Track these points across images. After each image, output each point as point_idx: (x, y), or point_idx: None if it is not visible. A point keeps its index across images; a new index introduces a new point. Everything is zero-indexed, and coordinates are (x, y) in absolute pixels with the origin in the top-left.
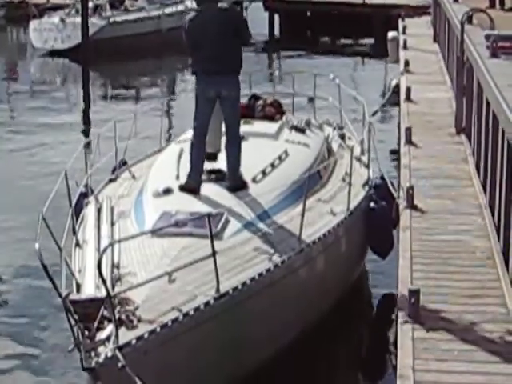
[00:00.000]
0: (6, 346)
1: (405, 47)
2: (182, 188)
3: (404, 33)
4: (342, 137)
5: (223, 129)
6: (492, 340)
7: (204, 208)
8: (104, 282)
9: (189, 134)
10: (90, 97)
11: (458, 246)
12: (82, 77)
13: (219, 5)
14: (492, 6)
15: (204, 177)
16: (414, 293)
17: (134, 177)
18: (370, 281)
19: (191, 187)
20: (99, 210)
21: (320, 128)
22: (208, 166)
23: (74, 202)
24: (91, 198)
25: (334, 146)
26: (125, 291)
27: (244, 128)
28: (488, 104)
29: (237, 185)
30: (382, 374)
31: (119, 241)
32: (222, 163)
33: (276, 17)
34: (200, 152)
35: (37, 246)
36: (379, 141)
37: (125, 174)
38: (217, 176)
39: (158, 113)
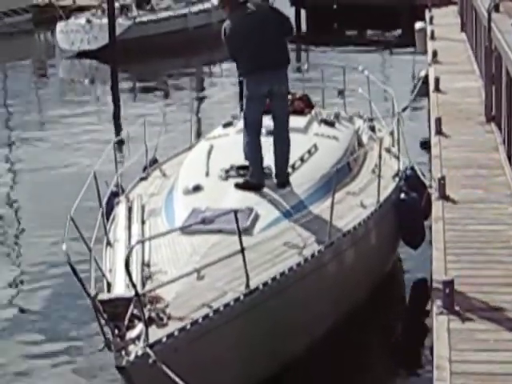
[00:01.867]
0: (37, 346)
1: (432, 37)
2: (242, 186)
3: (431, 23)
4: (372, 129)
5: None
6: None
7: (234, 204)
8: (131, 280)
9: (219, 130)
10: (118, 96)
11: (491, 235)
12: (110, 77)
13: (252, 4)
14: None
15: (233, 173)
16: (449, 283)
17: (164, 175)
18: (404, 272)
19: (255, 185)
20: (130, 209)
21: (350, 121)
22: (235, 161)
23: (104, 202)
24: (122, 198)
25: (364, 138)
26: (154, 289)
27: (271, 123)
28: None
29: (285, 181)
30: (419, 365)
31: (147, 239)
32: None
33: (302, 11)
34: (257, 148)
35: (64, 246)
36: (409, 132)
37: (155, 172)
38: (246, 172)
39: (187, 110)
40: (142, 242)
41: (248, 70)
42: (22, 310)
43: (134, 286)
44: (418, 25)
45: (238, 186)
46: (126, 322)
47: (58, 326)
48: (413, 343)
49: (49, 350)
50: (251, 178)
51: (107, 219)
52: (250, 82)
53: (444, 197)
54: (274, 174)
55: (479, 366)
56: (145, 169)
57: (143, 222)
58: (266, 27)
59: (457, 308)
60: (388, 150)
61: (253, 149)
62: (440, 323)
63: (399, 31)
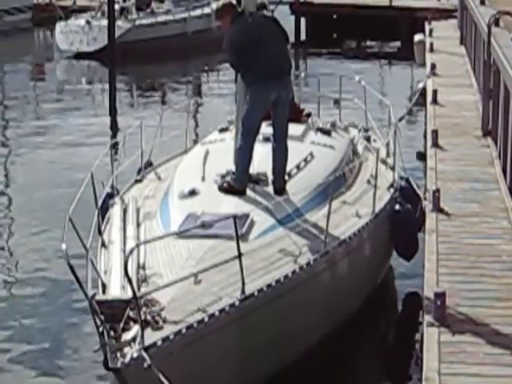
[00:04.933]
0: (30, 345)
1: (431, 50)
2: (225, 189)
3: (430, 35)
4: (368, 139)
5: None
6: None
7: (229, 210)
8: (130, 282)
9: (215, 135)
10: (115, 99)
11: (484, 249)
12: (108, 79)
13: (256, 13)
14: None
15: (229, 178)
16: (440, 295)
17: (159, 178)
18: (396, 283)
19: (239, 189)
20: (125, 211)
21: (345, 130)
22: (231, 167)
23: (100, 203)
24: (117, 199)
25: (360, 148)
26: (151, 292)
27: (269, 130)
28: None
29: (282, 188)
30: (408, 376)
31: (145, 242)
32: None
33: (302, 20)
34: (249, 154)
35: (63, 246)
36: (405, 143)
37: (150, 175)
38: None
39: (183, 114)
40: (142, 244)
41: (257, 78)
42: (15, 310)
43: (133, 288)
44: (418, 37)
45: (221, 188)
46: (122, 324)
47: (52, 325)
48: (403, 354)
49: (42, 349)
50: (235, 182)
51: (102, 220)
52: (257, 91)
53: (438, 209)
54: (270, 181)
55: (468, 379)
56: (139, 171)
57: (138, 225)
58: (270, 35)
59: (448, 320)
60: (383, 161)
61: (245, 154)
62: (430, 335)
63: (398, 43)
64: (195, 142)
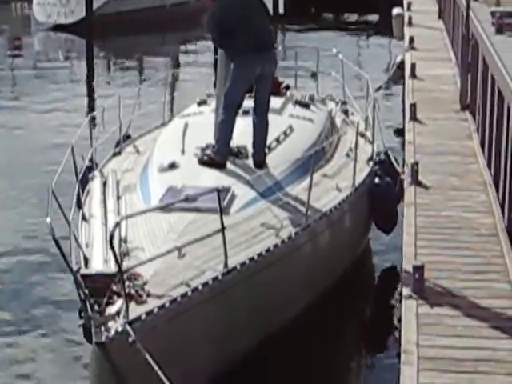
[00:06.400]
0: (13, 319)
1: (410, 24)
2: (205, 162)
3: (409, 9)
4: (345, 112)
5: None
6: (496, 315)
7: (210, 183)
8: (116, 256)
9: (193, 108)
10: (94, 71)
11: (462, 222)
12: (85, 51)
13: None
14: None
15: (209, 151)
16: (419, 268)
17: (138, 151)
18: (374, 256)
19: (219, 162)
20: (104, 184)
21: (323, 103)
22: (210, 140)
23: (79, 177)
24: (96, 172)
25: (338, 122)
26: (136, 266)
27: (249, 104)
28: (493, 80)
29: (263, 161)
30: (386, 348)
31: (130, 216)
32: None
33: None
34: (230, 128)
35: (48, 220)
36: (383, 117)
37: (129, 148)
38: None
39: (161, 87)
40: (129, 217)
41: (240, 53)
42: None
43: (118, 262)
44: (396, 10)
45: (201, 161)
46: (106, 298)
47: (35, 300)
48: (381, 327)
49: (27, 323)
50: (216, 155)
51: (82, 193)
52: (241, 65)
53: (416, 182)
54: (250, 154)
55: (447, 351)
56: (118, 144)
57: (118, 198)
58: (252, 10)
59: (426, 293)
60: (362, 135)
61: (227, 128)
62: (408, 308)
63: (376, 16)
64: (173, 114)
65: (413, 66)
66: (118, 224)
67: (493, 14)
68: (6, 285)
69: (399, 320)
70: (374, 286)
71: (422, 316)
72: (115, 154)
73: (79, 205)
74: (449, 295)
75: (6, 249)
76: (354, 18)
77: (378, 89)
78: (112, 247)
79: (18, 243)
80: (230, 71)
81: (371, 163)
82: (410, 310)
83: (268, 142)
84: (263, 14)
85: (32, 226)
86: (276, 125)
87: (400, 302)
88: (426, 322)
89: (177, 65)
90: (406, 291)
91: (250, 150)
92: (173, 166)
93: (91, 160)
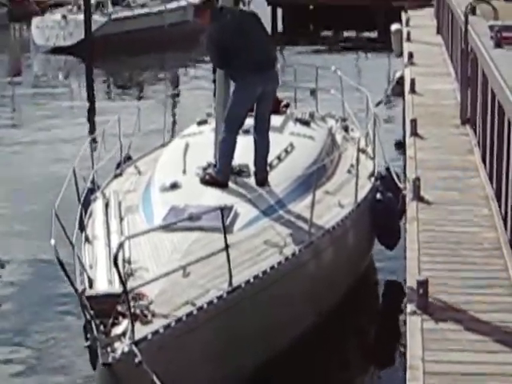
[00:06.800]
0: (18, 341)
1: (408, 39)
2: (207, 182)
3: (407, 25)
4: (346, 129)
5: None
6: (501, 330)
7: (212, 202)
8: (121, 277)
9: (193, 128)
10: (93, 93)
11: (465, 236)
12: (85, 73)
13: (235, 8)
14: None
15: (211, 170)
16: (422, 284)
17: (139, 172)
18: (378, 272)
19: (221, 181)
20: (107, 206)
21: (323, 120)
22: (211, 159)
23: (82, 198)
24: (98, 194)
25: (338, 138)
26: (141, 286)
27: (249, 122)
28: (493, 94)
29: (265, 179)
30: (392, 364)
31: (134, 235)
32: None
33: (279, 10)
34: (232, 147)
35: (52, 241)
36: (384, 133)
37: (130, 168)
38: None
39: (161, 107)
40: (131, 238)
41: (243, 74)
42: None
43: (123, 282)
44: (394, 26)
45: (203, 181)
46: (112, 319)
47: (41, 320)
48: (386, 343)
49: (32, 344)
50: (218, 174)
51: (84, 215)
52: (244, 85)
53: (418, 198)
54: (252, 172)
55: (452, 366)
56: (119, 165)
57: (121, 219)
58: (252, 30)
59: (430, 308)
60: (363, 151)
61: (229, 146)
62: (413, 323)
63: (375, 33)
64: (174, 135)
65: (412, 82)
66: (122, 244)
67: (491, 27)
68: (10, 305)
69: (404, 336)
70: (379, 302)
71: (426, 331)
72: (116, 176)
73: (82, 227)
74: (453, 310)
75: (11, 270)
76: (352, 34)
77: (378, 104)
78: (117, 267)
79: (23, 265)
80: (231, 91)
81: (373, 179)
82: (414, 326)
83: (269, 160)
84: (262, 32)
85: (36, 247)
86: (277, 143)
87: (404, 317)
88: (431, 338)
89: (176, 85)
90: (410, 307)
91: (252, 168)
92: (175, 185)
93: (93, 182)
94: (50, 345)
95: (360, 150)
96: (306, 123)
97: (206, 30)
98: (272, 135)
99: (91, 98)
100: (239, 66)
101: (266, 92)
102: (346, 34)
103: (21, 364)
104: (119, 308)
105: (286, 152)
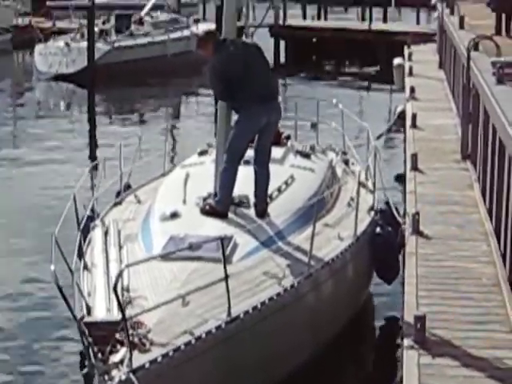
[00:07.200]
0: (17, 369)
1: (410, 74)
2: (207, 212)
3: (410, 59)
4: (346, 162)
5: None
6: (498, 366)
7: (212, 232)
8: (120, 305)
9: (194, 158)
10: (95, 121)
11: (463, 272)
12: (87, 101)
13: (238, 40)
14: (498, 32)
15: (211, 201)
16: (420, 319)
17: (139, 201)
18: (376, 305)
19: (221, 212)
20: (106, 234)
21: (324, 153)
22: (212, 190)
23: (81, 226)
24: (97, 222)
25: (338, 171)
26: (140, 314)
27: (249, 153)
28: (494, 130)
29: (264, 210)
30: None
31: (134, 264)
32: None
33: (282, 43)
34: (233, 178)
35: (52, 268)
36: (384, 166)
37: (129, 197)
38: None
39: (162, 137)
40: (132, 265)
41: (247, 104)
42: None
43: (122, 310)
44: (397, 61)
45: (203, 211)
46: (110, 346)
47: (39, 347)
48: (383, 376)
49: (29, 371)
50: (218, 204)
51: (84, 243)
52: (247, 116)
53: (418, 232)
54: (252, 203)
55: None
56: (118, 194)
57: (120, 248)
58: (254, 61)
59: (427, 343)
60: (363, 184)
61: (229, 178)
62: (410, 358)
63: (377, 67)
64: (174, 164)
65: (414, 116)
66: (121, 272)
67: (494, 64)
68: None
69: (401, 370)
70: (376, 336)
71: (423, 366)
72: (116, 204)
73: (80, 254)
74: (450, 345)
75: (10, 296)
76: (354, 67)
77: (379, 137)
78: (116, 295)
79: (21, 291)
80: (233, 121)
81: (372, 213)
82: (411, 360)
83: (269, 192)
84: (265, 64)
85: (35, 274)
86: (277, 174)
87: (402, 351)
88: (427, 373)
89: (178, 114)
90: (407, 341)
91: (252, 199)
92: (174, 215)
93: (92, 210)
94: (47, 371)
95: (360, 184)
96: (306, 156)
97: (209, 61)
98: (272, 167)
99: (92, 126)
100: (243, 97)
101: (270, 123)
102: (348, 67)
103: None
104: (117, 336)
105: (286, 184)
